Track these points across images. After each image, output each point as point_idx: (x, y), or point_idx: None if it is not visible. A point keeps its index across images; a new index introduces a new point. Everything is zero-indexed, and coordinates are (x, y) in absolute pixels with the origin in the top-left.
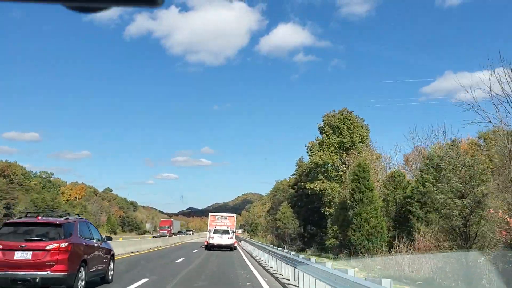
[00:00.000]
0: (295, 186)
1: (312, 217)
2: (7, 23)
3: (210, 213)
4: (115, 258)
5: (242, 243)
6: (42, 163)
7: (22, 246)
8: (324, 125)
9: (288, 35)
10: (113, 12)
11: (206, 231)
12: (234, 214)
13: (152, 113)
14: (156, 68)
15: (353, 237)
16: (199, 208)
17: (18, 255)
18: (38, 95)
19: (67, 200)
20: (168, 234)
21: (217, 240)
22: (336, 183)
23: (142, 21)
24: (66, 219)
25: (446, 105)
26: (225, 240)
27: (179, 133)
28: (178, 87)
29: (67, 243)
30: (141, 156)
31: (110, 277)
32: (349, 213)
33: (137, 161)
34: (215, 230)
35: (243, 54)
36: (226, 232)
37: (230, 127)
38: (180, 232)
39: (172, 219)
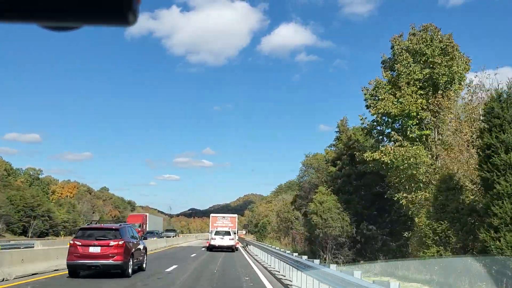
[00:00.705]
0: (338, 162)
1: (370, 209)
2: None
3: (211, 214)
4: None
5: (252, 249)
6: (43, 164)
7: (94, 243)
8: (396, 51)
9: (290, 35)
10: None
11: (207, 232)
12: (236, 215)
13: (153, 114)
14: (157, 69)
15: (497, 242)
16: (201, 209)
17: (92, 249)
18: (39, 96)
19: (59, 198)
20: (140, 235)
21: (218, 241)
22: (423, 147)
23: (143, 21)
24: (120, 225)
25: None
26: (226, 241)
27: (181, 134)
28: (179, 88)
29: (122, 241)
30: (142, 157)
31: (144, 266)
32: (470, 198)
33: (138, 162)
34: (216, 231)
35: (244, 54)
36: (228, 233)
37: (231, 128)
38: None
39: (147, 214)
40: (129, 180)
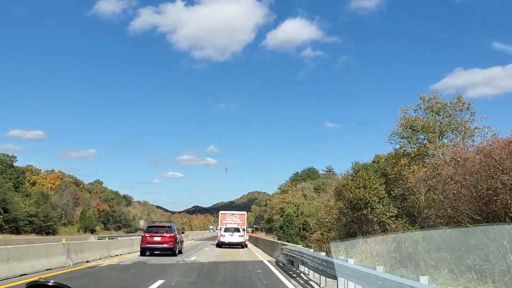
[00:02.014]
0: None
1: None
2: (9, 19)
3: (220, 212)
4: None
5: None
6: (46, 162)
7: (156, 235)
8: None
9: (295, 30)
10: (116, 7)
11: (208, 229)
12: (245, 212)
13: (157, 111)
14: (161, 65)
15: None
16: (204, 206)
17: (155, 238)
18: (42, 93)
19: (40, 188)
20: None
21: (228, 238)
22: None
23: (146, 16)
24: (170, 223)
25: None
26: (236, 238)
27: (184, 131)
28: (184, 85)
29: (172, 234)
30: (146, 155)
31: (182, 250)
32: None
33: (142, 160)
34: (225, 228)
35: (249, 49)
36: (237, 230)
37: (236, 125)
38: None
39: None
40: (133, 178)
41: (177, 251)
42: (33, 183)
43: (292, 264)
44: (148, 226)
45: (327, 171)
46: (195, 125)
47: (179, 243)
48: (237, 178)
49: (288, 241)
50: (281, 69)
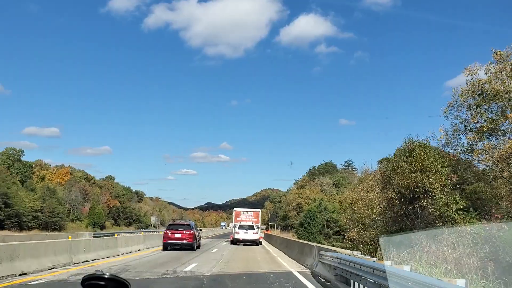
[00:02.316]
0: None
1: None
2: (24, 15)
3: (235, 209)
4: None
5: None
6: (61, 158)
7: (177, 232)
8: None
9: (309, 26)
10: (129, 3)
11: (219, 226)
12: (259, 210)
13: (170, 109)
14: (174, 62)
15: None
16: (217, 203)
17: (176, 235)
18: (57, 90)
19: (51, 183)
20: None
21: (242, 235)
22: None
23: (160, 13)
24: (190, 220)
25: None
26: (250, 235)
27: (198, 128)
28: (197, 81)
29: (191, 231)
30: (160, 152)
31: (200, 246)
32: None
33: (156, 157)
34: (240, 225)
35: (262, 46)
36: (251, 227)
37: (249, 122)
38: None
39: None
40: (147, 174)
41: (195, 247)
42: (42, 178)
43: (347, 283)
44: (170, 224)
45: (346, 166)
46: (208, 122)
47: (198, 240)
48: (250, 175)
49: (310, 240)
50: (295, 66)
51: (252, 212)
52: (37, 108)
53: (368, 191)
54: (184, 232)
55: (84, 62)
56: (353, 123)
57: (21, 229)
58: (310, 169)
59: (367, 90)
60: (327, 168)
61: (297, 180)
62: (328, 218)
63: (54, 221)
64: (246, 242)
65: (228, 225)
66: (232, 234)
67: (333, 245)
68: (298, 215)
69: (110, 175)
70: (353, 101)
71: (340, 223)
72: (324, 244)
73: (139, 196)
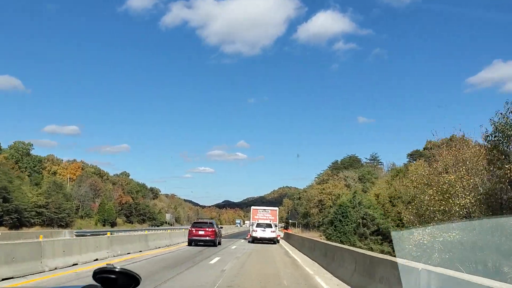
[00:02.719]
0: None
1: None
2: (43, 14)
3: (252, 207)
4: None
5: None
6: (81, 156)
7: (200, 229)
8: None
9: (327, 23)
10: (147, 1)
11: (234, 224)
12: (277, 208)
13: (187, 106)
14: (191, 60)
15: None
16: (235, 201)
17: (199, 232)
18: (77, 88)
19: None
20: None
21: (260, 233)
22: None
23: (177, 11)
24: (212, 219)
25: None
26: (268, 233)
27: (215, 126)
28: (214, 79)
29: (213, 228)
30: (178, 150)
31: (221, 243)
32: None
33: (174, 155)
34: (258, 223)
35: (280, 43)
36: (269, 225)
37: (266, 120)
38: None
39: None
40: (164, 172)
41: (217, 242)
42: (54, 173)
43: None
44: (194, 222)
45: (371, 159)
46: (225, 120)
47: (219, 236)
48: (267, 173)
49: (342, 242)
50: (312, 63)
51: (269, 210)
52: (57, 106)
53: (444, 172)
54: (207, 229)
55: (102, 61)
56: (372, 121)
57: (21, 225)
58: (333, 163)
59: (386, 88)
60: (351, 162)
61: (319, 175)
62: (364, 214)
63: (61, 218)
64: (264, 241)
65: (244, 223)
66: (249, 232)
67: (371, 249)
68: (320, 212)
69: (125, 171)
70: (371, 99)
71: (378, 221)
72: (361, 246)
73: (154, 193)
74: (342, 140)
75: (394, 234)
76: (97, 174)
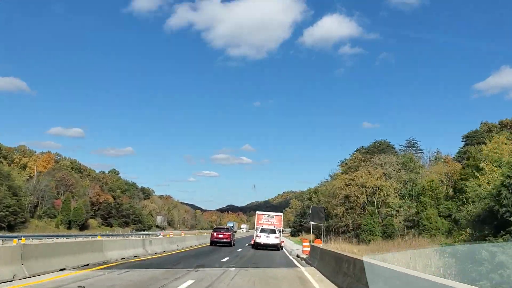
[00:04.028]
0: None
1: None
2: (48, 18)
3: (257, 212)
4: None
5: None
6: (85, 158)
7: (220, 233)
8: None
9: (334, 27)
10: (152, 3)
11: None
12: (281, 214)
13: (192, 109)
14: (196, 63)
15: None
16: (238, 205)
17: (219, 235)
18: (82, 91)
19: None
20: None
21: (264, 239)
22: None
23: (182, 13)
24: (227, 225)
25: None
26: (272, 239)
27: (220, 130)
28: (219, 83)
29: (230, 232)
30: (182, 154)
31: (234, 244)
32: None
33: (178, 159)
34: (262, 229)
35: (285, 47)
36: (273, 231)
37: (272, 124)
38: None
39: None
40: (169, 176)
41: (232, 243)
42: (24, 166)
43: None
44: (215, 228)
45: (407, 146)
46: (230, 124)
47: (233, 238)
48: (272, 177)
49: None
50: (318, 67)
51: (274, 216)
52: (62, 109)
53: None
54: (225, 233)
55: (106, 64)
56: (377, 126)
57: None
58: (358, 149)
59: (392, 93)
60: (382, 149)
61: (344, 161)
62: None
63: (2, 217)
64: (268, 247)
65: (240, 227)
66: (253, 237)
67: None
68: (347, 212)
69: (114, 169)
70: (377, 104)
71: None
72: None
73: (146, 193)
74: (348, 145)
75: None
76: (75, 169)
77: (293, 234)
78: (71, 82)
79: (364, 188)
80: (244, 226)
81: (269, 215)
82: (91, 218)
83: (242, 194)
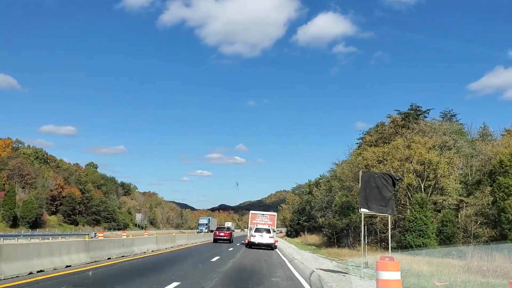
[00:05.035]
0: None
1: None
2: (40, 14)
3: (251, 211)
4: None
5: None
6: (77, 157)
7: (221, 232)
8: None
9: (328, 25)
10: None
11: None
12: (275, 213)
13: (186, 108)
14: (189, 60)
15: None
16: (231, 205)
17: (220, 234)
18: (74, 89)
19: None
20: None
21: (258, 238)
22: None
23: (176, 9)
24: (227, 225)
25: None
26: (266, 239)
27: (213, 129)
28: (213, 81)
29: (230, 231)
30: (175, 153)
31: (233, 241)
32: None
33: (171, 158)
34: (256, 228)
35: (280, 45)
36: (267, 231)
37: (265, 124)
38: None
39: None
40: (162, 175)
41: (231, 240)
42: None
43: None
44: (217, 227)
45: (443, 117)
46: (224, 123)
47: (232, 236)
48: (266, 177)
49: None
50: (312, 66)
51: (268, 215)
52: (54, 106)
53: None
54: (225, 232)
55: (98, 62)
56: (370, 126)
57: None
58: (378, 123)
59: (386, 92)
60: (416, 116)
61: (368, 132)
62: None
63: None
64: (262, 246)
65: (224, 225)
66: (247, 237)
67: None
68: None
69: (92, 162)
70: (370, 103)
71: None
72: None
73: (126, 189)
74: (342, 144)
75: None
76: (40, 159)
77: (290, 234)
78: (63, 79)
79: (410, 164)
80: (228, 223)
81: (263, 214)
82: (52, 214)
83: (235, 193)
